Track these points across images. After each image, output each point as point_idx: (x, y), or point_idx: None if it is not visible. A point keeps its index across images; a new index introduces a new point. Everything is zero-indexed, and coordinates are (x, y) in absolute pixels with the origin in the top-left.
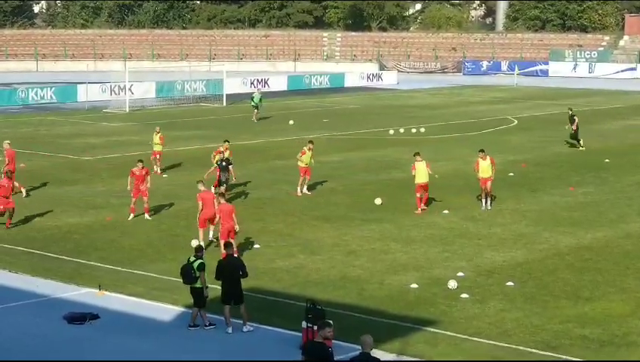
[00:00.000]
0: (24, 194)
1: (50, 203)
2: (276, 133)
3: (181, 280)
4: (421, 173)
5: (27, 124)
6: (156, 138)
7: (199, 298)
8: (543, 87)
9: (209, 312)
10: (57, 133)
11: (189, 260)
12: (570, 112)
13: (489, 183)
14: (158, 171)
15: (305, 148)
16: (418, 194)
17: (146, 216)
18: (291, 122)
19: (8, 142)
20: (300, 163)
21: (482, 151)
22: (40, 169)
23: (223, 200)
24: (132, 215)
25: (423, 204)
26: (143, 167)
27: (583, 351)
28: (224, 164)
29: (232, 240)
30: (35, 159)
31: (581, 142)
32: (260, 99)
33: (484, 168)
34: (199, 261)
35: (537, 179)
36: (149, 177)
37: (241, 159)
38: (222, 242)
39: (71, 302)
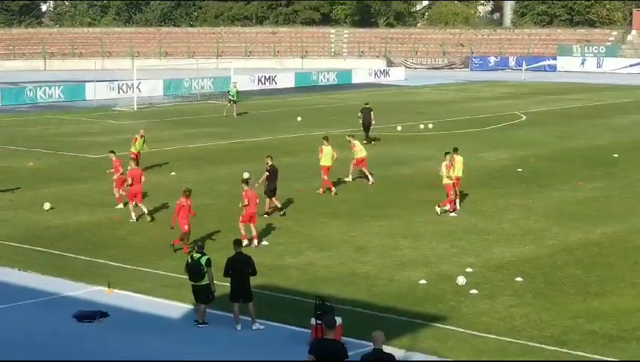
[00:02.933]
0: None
1: (58, 201)
2: (284, 129)
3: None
4: (326, 156)
5: (35, 123)
6: (141, 140)
7: (206, 294)
8: (551, 82)
9: (218, 309)
10: (65, 132)
11: (192, 257)
12: (366, 105)
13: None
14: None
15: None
16: (325, 177)
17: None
18: (299, 119)
19: None
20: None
21: (454, 150)
22: (48, 167)
23: (246, 187)
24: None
25: (332, 186)
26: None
27: (592, 346)
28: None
29: (252, 226)
30: (44, 157)
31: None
32: (237, 93)
33: (458, 168)
34: (206, 257)
35: (546, 175)
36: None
37: (249, 156)
38: (241, 226)
39: (80, 300)
